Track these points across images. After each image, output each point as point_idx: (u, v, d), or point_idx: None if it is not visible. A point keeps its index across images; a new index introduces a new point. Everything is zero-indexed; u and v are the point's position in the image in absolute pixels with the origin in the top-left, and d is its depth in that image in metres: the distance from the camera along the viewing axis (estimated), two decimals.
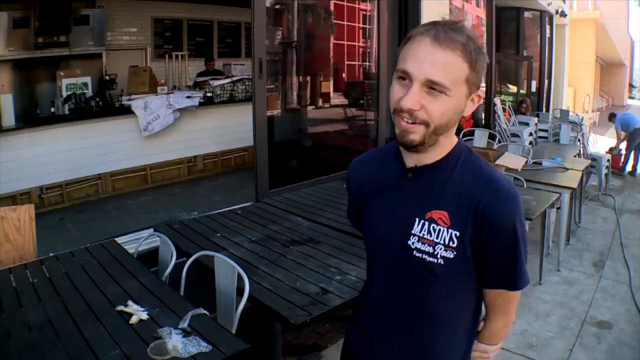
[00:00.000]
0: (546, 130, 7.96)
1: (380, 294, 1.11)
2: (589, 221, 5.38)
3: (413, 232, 1.00)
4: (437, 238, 0.98)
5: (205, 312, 1.76)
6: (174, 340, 1.54)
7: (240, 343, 1.58)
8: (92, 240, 2.78)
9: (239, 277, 2.02)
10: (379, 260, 1.11)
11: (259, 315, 2.23)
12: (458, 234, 0.96)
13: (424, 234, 0.99)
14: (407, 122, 0.93)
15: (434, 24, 0.94)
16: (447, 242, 0.97)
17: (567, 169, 4.61)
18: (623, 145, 8.53)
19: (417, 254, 0.99)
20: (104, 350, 1.53)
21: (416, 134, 0.94)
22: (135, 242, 2.74)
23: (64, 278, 2.10)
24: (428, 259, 0.98)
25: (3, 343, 1.59)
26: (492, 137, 6.41)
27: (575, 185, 4.14)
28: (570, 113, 10.06)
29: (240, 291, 2.00)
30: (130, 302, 1.82)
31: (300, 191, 3.92)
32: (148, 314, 1.74)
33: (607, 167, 6.58)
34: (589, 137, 9.07)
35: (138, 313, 1.74)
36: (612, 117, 8.99)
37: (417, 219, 1.00)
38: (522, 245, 0.98)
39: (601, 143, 9.53)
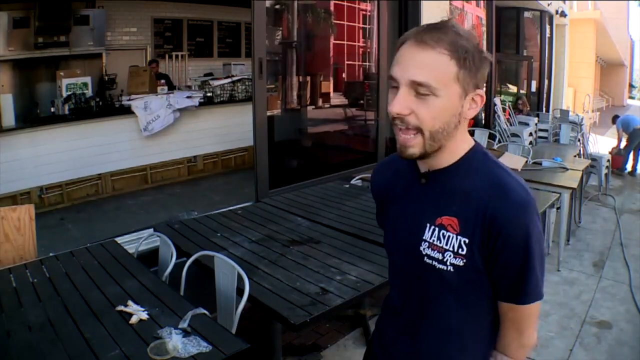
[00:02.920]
0: (546, 130, 7.97)
1: (395, 298, 1.11)
2: (589, 221, 5.37)
3: (424, 238, 0.99)
4: (446, 245, 0.95)
5: (205, 312, 1.76)
6: (174, 340, 1.54)
7: (240, 343, 1.58)
8: (92, 240, 2.79)
9: (239, 277, 2.02)
10: (395, 265, 1.11)
11: (259, 315, 2.23)
12: (467, 240, 0.94)
13: (433, 240, 0.97)
14: (405, 135, 0.92)
15: (420, 26, 0.94)
16: (456, 249, 0.95)
17: (567, 169, 4.61)
18: (622, 146, 8.53)
19: (428, 260, 0.98)
20: (104, 350, 1.53)
21: (415, 147, 0.93)
22: (135, 242, 2.74)
23: (64, 278, 2.10)
24: (438, 266, 0.97)
25: (3, 343, 1.59)
26: (492, 137, 6.41)
27: (575, 185, 4.14)
28: (570, 113, 10.07)
29: (240, 291, 2.00)
30: (130, 302, 1.81)
31: (300, 191, 3.91)
32: (148, 314, 1.74)
33: (607, 167, 6.58)
34: (589, 137, 9.07)
35: (138, 313, 1.74)
36: (615, 119, 8.99)
37: (428, 225, 0.98)
38: (534, 257, 0.92)
39: (601, 143, 9.51)
